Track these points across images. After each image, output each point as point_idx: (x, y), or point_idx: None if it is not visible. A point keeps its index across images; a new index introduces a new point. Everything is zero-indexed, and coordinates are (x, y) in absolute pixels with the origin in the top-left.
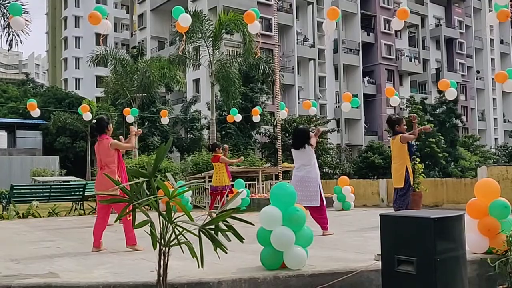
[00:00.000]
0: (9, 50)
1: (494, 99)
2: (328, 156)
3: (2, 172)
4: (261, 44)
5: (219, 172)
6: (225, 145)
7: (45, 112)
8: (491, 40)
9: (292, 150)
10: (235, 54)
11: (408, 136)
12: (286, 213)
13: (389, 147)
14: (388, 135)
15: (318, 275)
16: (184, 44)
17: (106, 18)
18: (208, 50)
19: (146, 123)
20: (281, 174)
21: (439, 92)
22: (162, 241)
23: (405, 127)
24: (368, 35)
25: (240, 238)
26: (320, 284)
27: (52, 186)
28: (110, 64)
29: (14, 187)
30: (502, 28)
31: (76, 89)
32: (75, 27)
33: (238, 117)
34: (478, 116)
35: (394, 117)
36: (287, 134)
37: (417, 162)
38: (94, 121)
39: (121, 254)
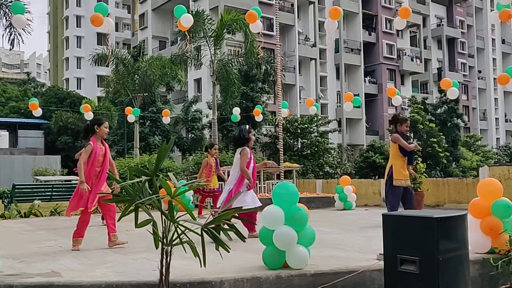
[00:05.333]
0: (10, 49)
1: (495, 99)
2: (330, 156)
3: (4, 172)
4: (263, 43)
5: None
6: (215, 145)
7: (47, 112)
8: (493, 39)
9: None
10: (237, 53)
11: (400, 140)
12: (289, 212)
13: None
14: (389, 134)
15: (321, 275)
16: (188, 44)
17: (108, 16)
18: (209, 49)
19: (147, 123)
20: (283, 174)
21: (441, 91)
22: (165, 240)
23: (407, 128)
24: (370, 34)
25: (242, 238)
26: (323, 284)
27: (54, 185)
28: (111, 64)
29: (16, 186)
30: (504, 28)
31: (77, 88)
32: (77, 26)
33: (237, 110)
34: (479, 116)
35: (400, 116)
36: (288, 134)
37: (419, 162)
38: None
39: (123, 253)
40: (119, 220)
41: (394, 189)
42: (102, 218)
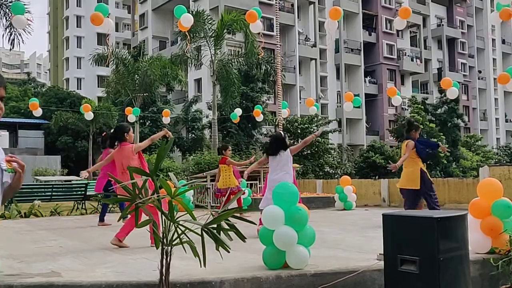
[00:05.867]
0: (11, 49)
1: (496, 99)
2: (330, 156)
3: None
4: (263, 43)
5: (225, 173)
6: (228, 146)
7: (47, 112)
8: (493, 40)
9: (269, 157)
10: (237, 54)
11: (410, 150)
12: (289, 212)
13: (391, 147)
14: (390, 134)
15: (321, 275)
16: (188, 44)
17: (108, 17)
18: (210, 49)
19: (147, 123)
20: None
21: (441, 92)
22: (165, 240)
23: (418, 135)
24: (370, 34)
25: (243, 238)
26: (323, 284)
27: (54, 186)
28: (111, 64)
29: None
30: (504, 28)
31: (78, 88)
32: (77, 26)
33: (239, 111)
34: (480, 116)
35: (415, 122)
36: (288, 134)
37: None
38: (112, 130)
39: (123, 253)
40: (119, 220)
41: (431, 186)
42: (101, 220)
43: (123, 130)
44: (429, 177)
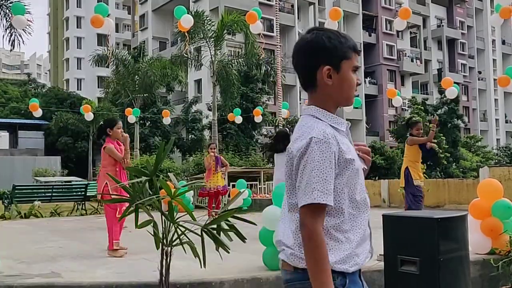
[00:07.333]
0: (11, 50)
1: (496, 99)
2: None
3: (4, 173)
4: (263, 44)
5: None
6: (211, 144)
7: (47, 112)
8: (493, 40)
9: (274, 154)
10: (237, 54)
11: (415, 139)
12: None
13: (391, 147)
14: (390, 135)
15: None
16: (187, 45)
17: (108, 17)
18: (210, 50)
19: (147, 124)
20: None
21: (441, 92)
22: (165, 241)
23: (421, 131)
24: (370, 35)
25: (242, 238)
26: None
27: (54, 186)
28: (111, 65)
29: (16, 187)
30: (504, 29)
31: (78, 89)
32: (77, 27)
33: (239, 119)
34: (479, 117)
35: (410, 120)
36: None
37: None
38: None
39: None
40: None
41: (414, 188)
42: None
43: (107, 124)
44: (414, 178)
